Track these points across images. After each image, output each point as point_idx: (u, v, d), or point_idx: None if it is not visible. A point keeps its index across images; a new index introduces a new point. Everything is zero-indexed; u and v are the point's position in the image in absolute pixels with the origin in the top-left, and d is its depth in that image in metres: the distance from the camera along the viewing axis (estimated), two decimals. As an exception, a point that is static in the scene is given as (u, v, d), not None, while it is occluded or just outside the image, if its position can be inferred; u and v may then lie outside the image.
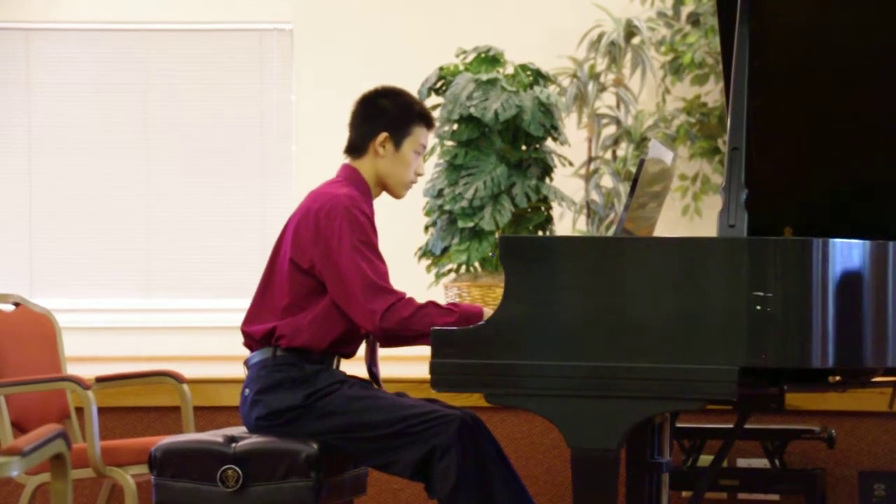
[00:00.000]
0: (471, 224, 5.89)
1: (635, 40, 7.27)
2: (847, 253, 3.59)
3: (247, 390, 4.23)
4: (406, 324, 4.04)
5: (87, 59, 8.08)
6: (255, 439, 4.14)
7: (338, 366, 4.24)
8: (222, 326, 6.76)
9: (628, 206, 3.89)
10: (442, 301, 4.37)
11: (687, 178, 7.44)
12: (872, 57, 4.10)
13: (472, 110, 5.89)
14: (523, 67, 6.16)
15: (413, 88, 5.05)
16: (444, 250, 6.00)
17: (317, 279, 4.17)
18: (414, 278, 5.55)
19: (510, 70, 6.18)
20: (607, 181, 7.23)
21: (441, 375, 3.70)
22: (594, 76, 7.29)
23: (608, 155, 7.32)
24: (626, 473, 4.07)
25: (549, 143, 6.10)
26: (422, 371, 3.99)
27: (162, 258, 8.05)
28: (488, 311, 3.93)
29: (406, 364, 5.31)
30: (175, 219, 8.04)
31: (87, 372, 4.89)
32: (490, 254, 5.92)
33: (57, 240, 8.06)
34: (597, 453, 3.59)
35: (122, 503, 4.94)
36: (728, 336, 3.51)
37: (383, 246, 4.21)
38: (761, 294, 3.50)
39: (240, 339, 4.29)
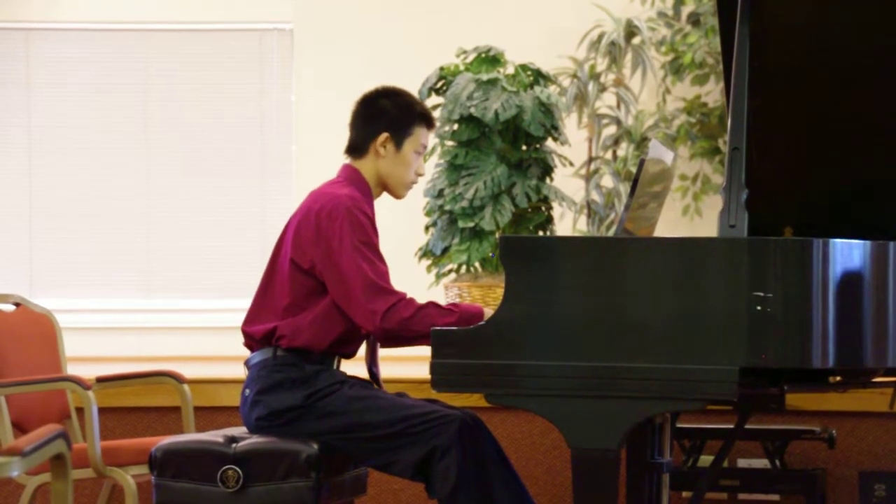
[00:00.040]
0: (471, 224, 5.89)
1: (636, 40, 7.27)
2: (847, 253, 3.59)
3: (247, 390, 4.23)
4: (407, 324, 4.04)
5: (87, 59, 8.08)
6: (255, 439, 4.14)
7: (338, 366, 4.24)
8: (222, 326, 6.76)
9: (629, 206, 3.89)
10: (442, 301, 4.37)
11: (687, 178, 7.44)
12: (872, 57, 4.10)
13: (472, 110, 5.89)
14: (524, 67, 6.16)
15: (413, 88, 5.05)
16: (445, 250, 6.00)
17: (317, 279, 4.17)
18: (414, 278, 5.55)
19: (510, 70, 6.19)
20: (608, 181, 7.23)
21: (441, 376, 3.70)
22: (594, 76, 7.30)
23: (608, 155, 7.32)
24: (626, 473, 4.07)
25: (550, 143, 6.10)
26: (422, 371, 3.99)
27: (162, 258, 8.05)
28: (489, 312, 3.93)
29: (406, 364, 5.31)
30: (175, 219, 8.04)
31: (88, 372, 4.89)
32: (490, 254, 5.92)
33: (57, 240, 8.06)
34: (597, 453, 3.59)
35: (122, 503, 4.94)
36: (728, 336, 3.51)
37: (384, 246, 4.21)
38: (761, 294, 3.50)
39: (240, 339, 4.29)
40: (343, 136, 4.38)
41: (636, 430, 3.74)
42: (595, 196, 7.18)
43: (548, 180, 6.07)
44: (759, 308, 3.49)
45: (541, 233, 6.06)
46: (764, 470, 5.09)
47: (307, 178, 5.57)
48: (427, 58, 6.39)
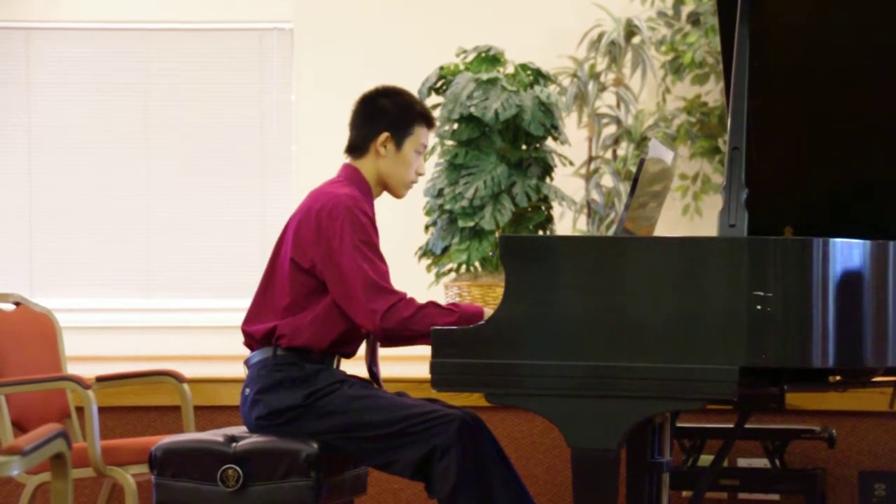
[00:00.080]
0: (471, 223, 5.89)
1: (635, 40, 7.27)
2: (847, 253, 3.59)
3: (247, 390, 4.23)
4: (407, 324, 4.04)
5: (87, 59, 8.08)
6: (255, 439, 4.14)
7: (338, 365, 4.24)
8: (222, 326, 6.76)
9: (629, 206, 3.89)
10: (442, 301, 4.37)
11: (687, 178, 7.44)
12: (872, 57, 4.10)
13: (472, 110, 5.89)
14: (523, 67, 6.16)
15: (413, 88, 5.05)
16: (445, 250, 6.00)
17: (318, 279, 4.17)
18: (414, 278, 5.55)
19: (510, 70, 6.19)
20: (608, 181, 7.23)
21: (441, 375, 3.70)
22: (594, 76, 7.30)
23: (608, 154, 7.32)
24: (626, 473, 4.07)
25: (550, 142, 6.10)
26: (422, 371, 3.99)
27: (162, 258, 8.05)
28: (488, 312, 3.93)
29: (406, 364, 5.31)
30: (175, 219, 8.05)
31: (88, 371, 4.89)
32: (490, 253, 5.92)
33: (57, 240, 8.06)
34: (597, 453, 3.59)
35: (122, 503, 4.95)
36: (728, 336, 3.51)
37: (384, 246, 4.21)
38: (761, 294, 3.50)
39: (240, 338, 4.29)
40: (343, 136, 4.38)
41: (636, 430, 3.74)
42: (595, 196, 7.18)
43: (548, 180, 6.07)
44: (759, 308, 3.49)
45: (541, 232, 6.06)
46: (764, 469, 5.09)
47: (307, 178, 5.57)
48: (427, 58, 6.39)
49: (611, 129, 7.33)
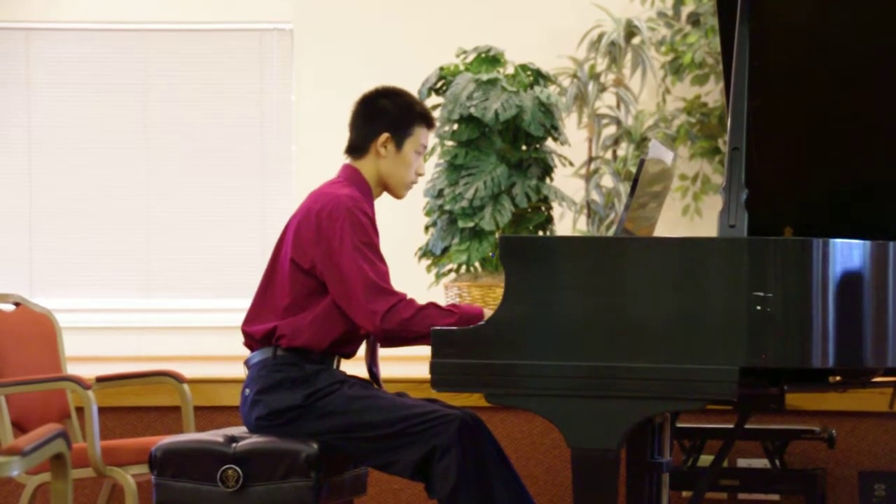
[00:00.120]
0: (471, 224, 5.89)
1: (635, 40, 7.27)
2: (847, 253, 3.59)
3: (247, 390, 4.23)
4: (407, 325, 4.04)
5: (87, 59, 8.08)
6: (255, 439, 4.14)
7: (338, 366, 4.24)
8: (222, 326, 6.76)
9: (628, 206, 3.89)
10: (442, 301, 4.37)
11: (687, 178, 7.44)
12: (872, 57, 4.10)
13: (472, 110, 5.89)
14: (523, 67, 6.16)
15: (413, 88, 5.05)
16: (445, 250, 6.00)
17: (318, 279, 4.17)
18: (414, 278, 5.55)
19: (510, 70, 6.18)
20: (608, 181, 7.23)
21: (441, 375, 3.70)
22: (594, 76, 7.29)
23: (608, 155, 7.32)
24: (626, 473, 4.07)
25: (550, 143, 6.10)
26: (422, 371, 3.99)
27: (162, 258, 8.05)
28: (488, 313, 3.93)
29: (406, 364, 5.31)
30: (175, 219, 8.04)
31: (87, 372, 4.89)
32: (490, 254, 5.92)
33: (57, 240, 8.06)
34: (597, 453, 3.59)
35: (122, 503, 4.94)
36: (728, 336, 3.51)
37: (384, 246, 4.21)
38: (761, 294, 3.50)
39: (240, 339, 4.29)
40: (343, 136, 4.38)
41: (636, 430, 3.74)
42: (595, 196, 7.18)
43: (548, 180, 6.07)
44: (759, 308, 3.49)
45: (541, 233, 6.06)
46: (764, 470, 5.09)
47: (307, 178, 5.57)
48: (427, 58, 6.39)
49: (611, 130, 7.33)
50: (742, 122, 3.72)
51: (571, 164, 6.43)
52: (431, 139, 4.90)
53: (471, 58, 6.18)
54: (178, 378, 4.97)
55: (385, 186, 4.35)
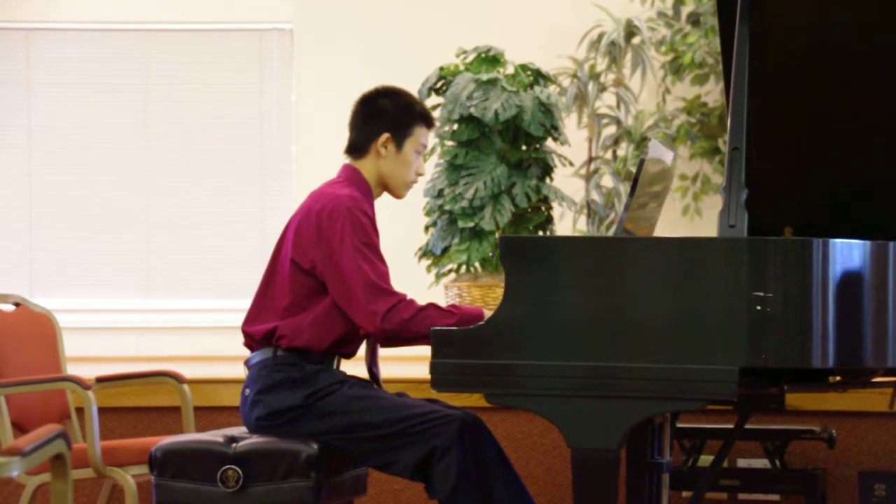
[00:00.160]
0: (471, 224, 5.89)
1: (635, 40, 7.27)
2: (847, 253, 3.59)
3: (247, 390, 4.23)
4: (407, 325, 4.04)
5: (87, 59, 8.08)
6: (255, 439, 4.14)
7: (338, 366, 4.24)
8: (222, 326, 6.77)
9: (628, 206, 3.88)
10: (442, 302, 4.37)
11: (687, 178, 7.44)
12: (872, 57, 4.10)
13: (472, 110, 5.89)
14: (523, 67, 6.16)
15: (413, 88, 5.05)
16: (445, 250, 6.00)
17: (318, 279, 4.17)
18: (414, 278, 5.55)
19: (510, 70, 6.18)
20: (607, 181, 7.23)
21: (441, 375, 3.70)
22: (594, 76, 7.29)
23: (608, 155, 7.32)
24: (626, 473, 4.07)
25: (550, 143, 6.10)
26: (422, 371, 3.99)
27: (162, 258, 8.05)
28: (488, 314, 3.93)
29: (406, 364, 5.31)
30: (175, 219, 8.04)
31: (87, 372, 4.89)
32: (490, 254, 5.92)
33: (57, 240, 8.06)
34: (597, 453, 3.59)
35: (122, 503, 4.94)
36: (728, 336, 3.51)
37: (384, 246, 4.21)
38: (761, 294, 3.50)
39: (240, 339, 4.29)
40: (343, 136, 4.38)
41: (636, 430, 3.74)
42: (595, 196, 7.18)
43: (548, 180, 6.07)
44: (759, 308, 3.49)
45: (541, 233, 6.06)
46: (764, 470, 5.09)
47: (307, 178, 5.57)
48: (427, 58, 6.39)
49: (611, 130, 7.33)
50: (742, 122, 3.72)
51: (571, 164, 6.43)
52: (431, 139, 4.90)
53: (471, 58, 6.18)
54: (178, 378, 4.97)
55: (385, 186, 4.35)
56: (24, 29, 8.06)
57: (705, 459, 4.99)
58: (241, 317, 4.28)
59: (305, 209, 4.22)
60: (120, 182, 8.05)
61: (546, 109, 5.97)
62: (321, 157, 5.54)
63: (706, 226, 7.28)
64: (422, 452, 4.04)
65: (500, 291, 4.14)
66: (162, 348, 7.58)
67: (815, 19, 4.11)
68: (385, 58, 7.60)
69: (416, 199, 5.60)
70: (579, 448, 3.60)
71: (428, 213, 6.10)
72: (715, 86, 7.37)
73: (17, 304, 4.95)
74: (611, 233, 6.85)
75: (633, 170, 6.61)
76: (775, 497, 5.29)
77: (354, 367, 4.30)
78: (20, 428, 4.70)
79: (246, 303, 4.31)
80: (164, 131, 8.06)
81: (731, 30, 3.88)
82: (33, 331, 4.95)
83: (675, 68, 7.32)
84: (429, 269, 6.11)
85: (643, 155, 3.93)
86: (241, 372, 4.36)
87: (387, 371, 4.44)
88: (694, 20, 7.34)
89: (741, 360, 3.50)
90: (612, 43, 7.23)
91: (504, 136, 5.99)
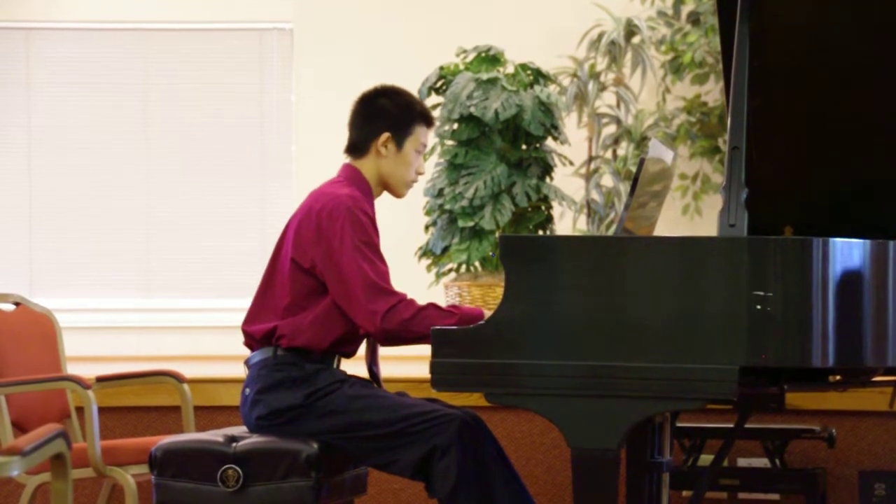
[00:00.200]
0: (471, 223, 5.89)
1: (635, 39, 7.27)
2: (847, 253, 3.59)
3: (247, 390, 4.23)
4: (407, 325, 4.04)
5: (87, 59, 8.08)
6: (255, 439, 4.14)
7: (338, 365, 4.24)
8: (222, 326, 6.76)
9: (628, 206, 3.88)
10: (442, 301, 4.37)
11: (687, 178, 7.44)
12: (872, 57, 4.10)
13: (472, 110, 5.89)
14: (523, 67, 6.15)
15: (413, 88, 5.05)
16: (445, 250, 6.00)
17: (318, 279, 4.17)
18: (414, 278, 5.55)
19: (510, 69, 6.18)
20: (608, 180, 7.23)
21: (441, 375, 3.70)
22: (594, 75, 7.29)
23: (608, 154, 7.32)
24: (626, 473, 4.07)
25: (550, 142, 6.10)
26: (422, 371, 3.99)
27: (162, 258, 8.05)
28: (488, 314, 3.93)
29: (406, 364, 5.31)
30: (175, 219, 8.04)
31: (87, 372, 4.89)
32: (490, 253, 5.92)
33: (57, 240, 8.06)
34: (597, 453, 3.59)
35: (122, 503, 4.94)
36: (728, 336, 3.51)
37: (384, 245, 4.21)
38: (761, 293, 3.50)
39: (240, 338, 4.29)
40: (343, 136, 4.38)
41: (636, 430, 3.74)
42: (595, 195, 7.18)
43: (548, 179, 6.06)
44: (759, 307, 3.49)
45: (541, 232, 6.06)
46: (764, 469, 5.09)
47: (307, 178, 5.56)
48: (427, 58, 6.38)
49: (611, 129, 7.33)
50: (742, 121, 3.72)
51: (571, 163, 6.43)
52: (431, 138, 4.90)
53: (471, 57, 6.18)
54: (178, 378, 4.97)
55: (385, 186, 4.35)
56: (24, 29, 8.06)
57: (705, 459, 4.99)
58: (241, 316, 4.28)
59: (306, 208, 4.22)
60: (120, 182, 8.05)
61: (546, 109, 5.97)
62: (321, 157, 5.54)
63: (706, 225, 7.28)
64: (422, 452, 4.05)
65: (500, 291, 4.14)
66: (162, 348, 7.58)
67: (815, 19, 4.11)
68: (385, 58, 7.60)
69: (416, 198, 5.60)
70: (579, 447, 3.60)
71: (428, 213, 6.10)
72: (715, 85, 7.37)
73: (17, 304, 4.95)
74: (611, 232, 6.85)
75: (633, 169, 6.62)
76: (775, 496, 5.29)
77: (354, 366, 4.30)
78: (20, 427, 4.70)
79: (246, 302, 4.31)
80: (164, 131, 8.06)
81: (731, 29, 3.88)
82: (33, 330, 4.95)
83: (675, 67, 7.32)
84: (429, 268, 6.11)
85: (643, 154, 3.93)
86: (241, 371, 4.36)
87: (387, 370, 4.44)
88: (694, 19, 7.34)
89: (741, 360, 3.50)
90: (612, 42, 7.23)
91: (504, 135, 5.99)
